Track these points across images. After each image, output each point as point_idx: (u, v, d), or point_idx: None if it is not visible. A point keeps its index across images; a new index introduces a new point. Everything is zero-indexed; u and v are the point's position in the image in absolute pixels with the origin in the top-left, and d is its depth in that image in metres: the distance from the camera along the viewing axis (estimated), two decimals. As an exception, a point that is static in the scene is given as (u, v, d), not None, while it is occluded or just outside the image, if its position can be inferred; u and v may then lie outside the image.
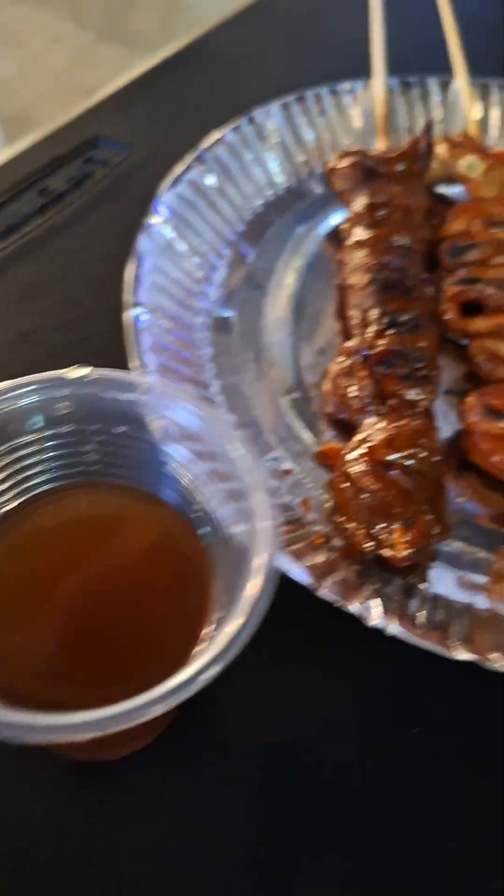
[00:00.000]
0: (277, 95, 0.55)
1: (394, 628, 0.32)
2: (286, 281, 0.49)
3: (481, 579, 0.37)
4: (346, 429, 0.40)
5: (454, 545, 0.38)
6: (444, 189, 0.52)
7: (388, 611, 0.33)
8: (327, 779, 0.32)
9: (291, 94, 0.54)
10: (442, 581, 0.36)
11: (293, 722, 0.33)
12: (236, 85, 0.63)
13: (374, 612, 0.32)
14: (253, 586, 0.23)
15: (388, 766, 0.32)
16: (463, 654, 0.31)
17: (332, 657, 0.35)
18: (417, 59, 0.57)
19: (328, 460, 0.40)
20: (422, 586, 0.36)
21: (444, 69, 0.56)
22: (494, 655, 0.31)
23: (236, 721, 0.33)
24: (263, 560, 0.23)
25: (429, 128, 0.50)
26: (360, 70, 0.56)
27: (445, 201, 0.51)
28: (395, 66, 0.56)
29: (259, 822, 0.31)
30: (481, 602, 0.36)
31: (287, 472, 0.40)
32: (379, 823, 0.31)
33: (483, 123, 0.58)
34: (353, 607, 0.32)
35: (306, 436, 0.42)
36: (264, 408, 0.42)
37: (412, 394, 0.39)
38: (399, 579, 0.35)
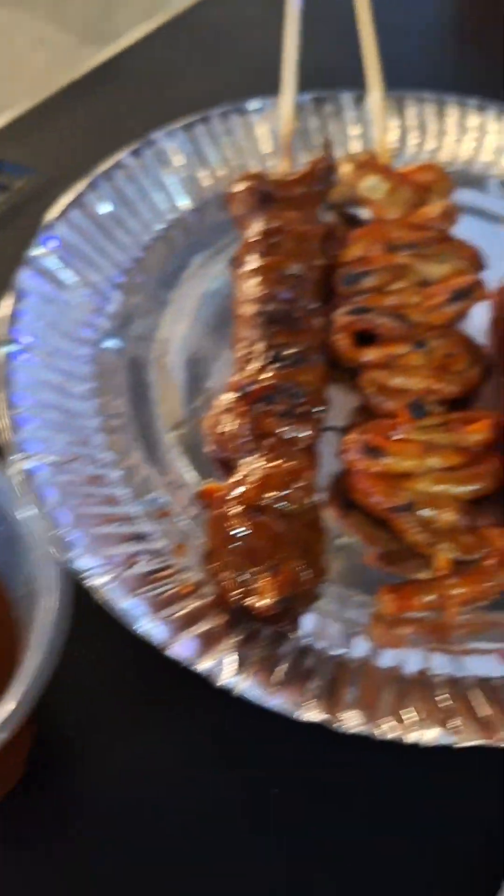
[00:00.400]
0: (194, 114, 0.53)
1: (243, 688, 0.30)
2: (185, 309, 0.48)
3: (361, 623, 0.36)
4: (228, 468, 0.39)
5: (334, 589, 0.37)
6: (357, 210, 0.51)
7: (248, 665, 0.32)
8: (181, 845, 0.30)
9: (195, 115, 0.53)
10: (317, 627, 0.35)
11: (147, 782, 0.32)
12: (153, 104, 0.61)
13: (226, 671, 0.31)
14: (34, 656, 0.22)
15: (242, 830, 0.31)
16: (309, 715, 0.30)
17: (191, 713, 0.33)
18: (346, 74, 0.56)
19: (207, 501, 0.38)
20: (292, 635, 0.34)
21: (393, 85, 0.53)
22: (348, 714, 0.30)
23: (86, 783, 0.31)
24: (43, 635, 0.22)
25: (327, 147, 0.48)
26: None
27: (356, 223, 0.50)
28: (321, 81, 0.54)
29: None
30: (358, 649, 0.35)
31: (164, 514, 0.38)
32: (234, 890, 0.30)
33: (402, 138, 0.57)
34: (203, 666, 0.31)
35: (191, 474, 0.40)
36: (148, 444, 0.41)
37: (291, 431, 0.38)
38: (269, 628, 0.34)
